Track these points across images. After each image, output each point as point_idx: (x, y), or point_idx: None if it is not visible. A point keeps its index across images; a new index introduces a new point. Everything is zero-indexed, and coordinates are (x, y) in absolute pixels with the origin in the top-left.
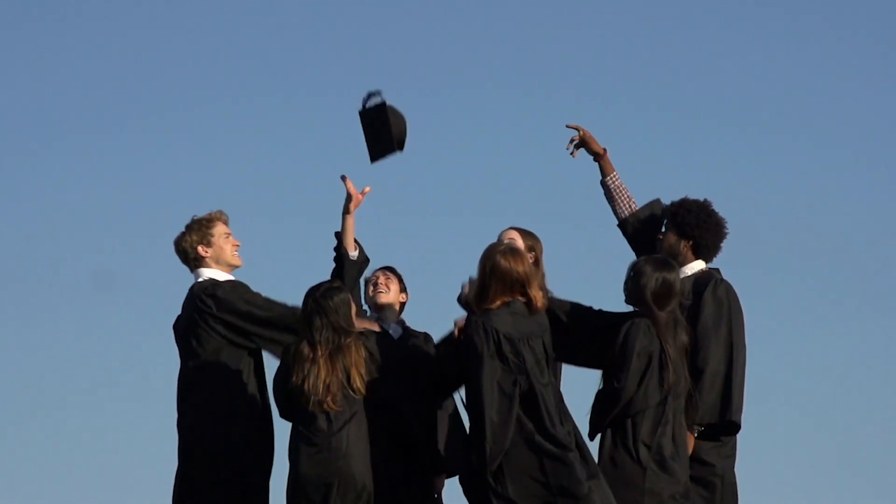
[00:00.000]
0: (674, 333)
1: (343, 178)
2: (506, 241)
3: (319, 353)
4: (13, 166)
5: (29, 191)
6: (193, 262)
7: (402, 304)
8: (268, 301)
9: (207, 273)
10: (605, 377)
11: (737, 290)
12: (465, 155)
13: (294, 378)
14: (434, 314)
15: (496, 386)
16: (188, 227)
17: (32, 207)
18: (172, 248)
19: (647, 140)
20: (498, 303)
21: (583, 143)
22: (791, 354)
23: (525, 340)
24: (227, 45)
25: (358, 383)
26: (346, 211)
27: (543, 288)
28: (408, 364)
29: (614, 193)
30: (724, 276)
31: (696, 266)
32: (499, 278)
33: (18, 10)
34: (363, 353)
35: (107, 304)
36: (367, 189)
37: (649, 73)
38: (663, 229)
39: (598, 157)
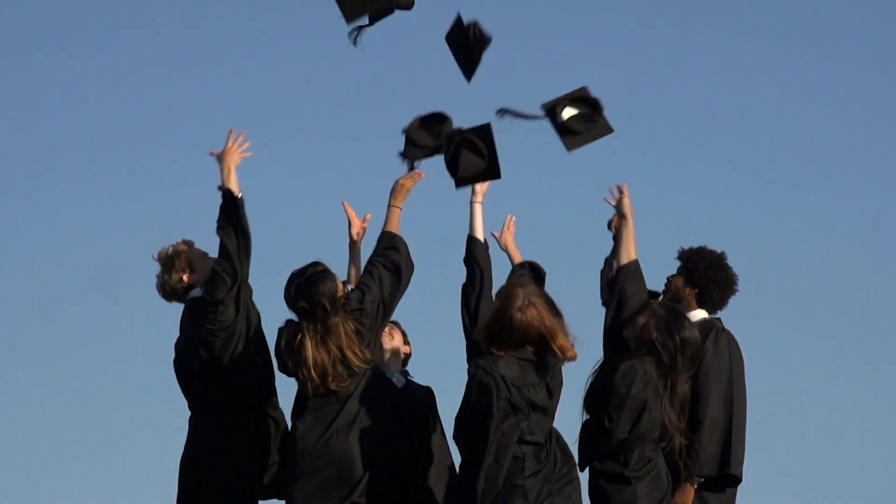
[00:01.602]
0: (676, 381)
1: (343, 203)
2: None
3: (309, 337)
4: (14, 166)
5: (29, 190)
6: (183, 292)
7: (407, 356)
8: (224, 258)
9: (200, 291)
10: (589, 408)
11: (739, 341)
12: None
13: (291, 366)
14: (440, 369)
15: (499, 431)
16: (164, 266)
17: (33, 207)
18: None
19: (673, 188)
20: (509, 351)
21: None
22: (794, 407)
23: (530, 387)
24: (227, 50)
25: (356, 361)
26: (350, 240)
27: (569, 336)
28: (407, 413)
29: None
30: (727, 326)
31: (698, 315)
32: (515, 331)
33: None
34: (351, 326)
35: (107, 304)
36: (369, 216)
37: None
38: (675, 272)
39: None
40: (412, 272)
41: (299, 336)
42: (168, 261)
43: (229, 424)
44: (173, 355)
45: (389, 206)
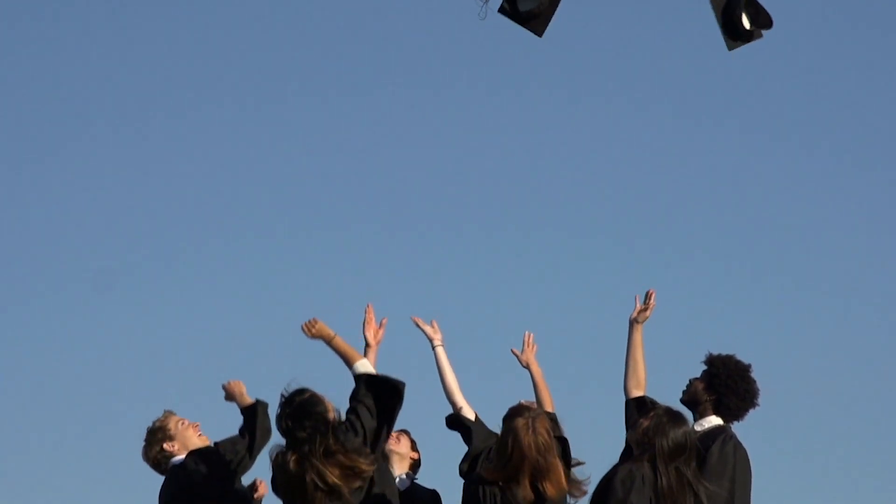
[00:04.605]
0: (675, 491)
1: (368, 306)
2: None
3: (315, 459)
4: (14, 167)
5: (29, 191)
6: (167, 460)
7: (414, 462)
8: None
9: (181, 458)
10: None
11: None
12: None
13: (293, 493)
14: (448, 474)
15: None
16: (146, 440)
17: (33, 208)
18: (146, 463)
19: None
20: (509, 485)
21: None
22: None
23: None
24: (233, 49)
25: (364, 466)
26: (365, 343)
27: (560, 477)
28: None
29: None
30: (741, 436)
31: (712, 421)
32: (515, 458)
33: (20, 12)
34: (340, 441)
35: (107, 304)
36: (385, 320)
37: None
38: (698, 374)
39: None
40: (398, 400)
41: (298, 462)
42: (149, 436)
43: None
44: None
45: (329, 344)
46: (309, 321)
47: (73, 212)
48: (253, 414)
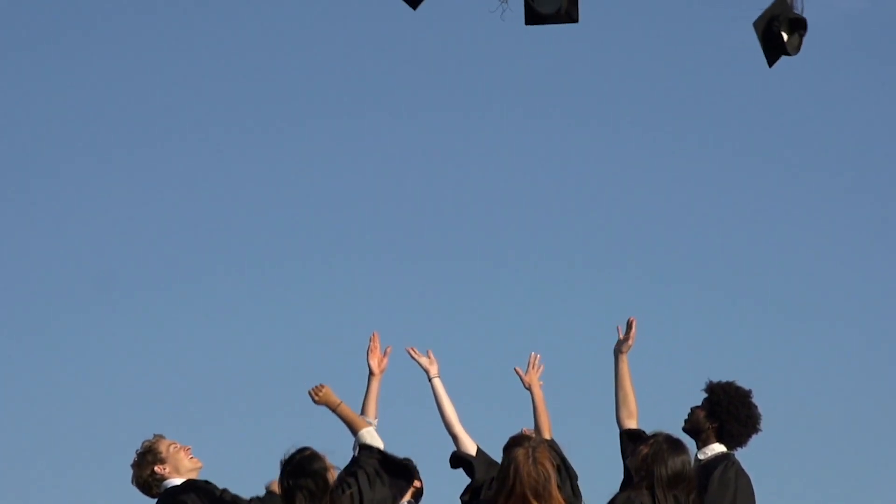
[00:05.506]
0: None
1: (374, 334)
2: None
3: None
4: (15, 168)
5: (31, 192)
6: (157, 483)
7: (416, 490)
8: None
9: (174, 481)
10: None
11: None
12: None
13: None
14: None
15: None
16: (136, 462)
17: (35, 209)
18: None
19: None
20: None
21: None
22: None
23: None
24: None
25: None
26: (369, 371)
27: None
28: None
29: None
30: (745, 462)
31: (716, 449)
32: (517, 487)
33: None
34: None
35: (107, 304)
36: (389, 349)
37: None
38: (699, 403)
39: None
40: (409, 480)
41: None
42: (139, 458)
43: None
44: None
45: (334, 410)
46: (315, 387)
47: (76, 214)
48: (272, 496)
